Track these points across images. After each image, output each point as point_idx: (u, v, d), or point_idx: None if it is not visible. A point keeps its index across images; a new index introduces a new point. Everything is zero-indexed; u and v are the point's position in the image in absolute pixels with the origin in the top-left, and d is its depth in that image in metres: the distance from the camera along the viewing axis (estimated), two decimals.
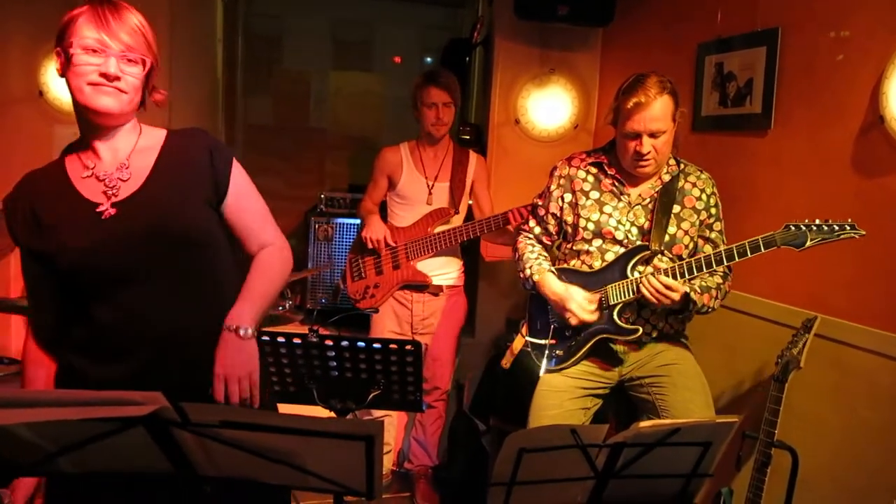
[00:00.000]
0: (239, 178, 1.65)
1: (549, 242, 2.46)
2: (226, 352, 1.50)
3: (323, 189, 4.46)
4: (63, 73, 1.47)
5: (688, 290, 2.11)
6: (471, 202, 3.23)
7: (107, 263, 1.48)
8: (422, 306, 3.11)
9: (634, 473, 1.45)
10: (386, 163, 3.11)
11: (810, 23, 2.37)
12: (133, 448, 1.17)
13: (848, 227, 1.92)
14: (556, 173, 2.39)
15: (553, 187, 2.38)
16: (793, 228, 1.95)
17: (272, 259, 1.68)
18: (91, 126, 1.52)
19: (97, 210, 1.49)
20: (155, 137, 1.60)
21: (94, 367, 1.52)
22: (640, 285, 2.10)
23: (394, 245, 3.05)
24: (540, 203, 2.45)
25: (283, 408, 2.00)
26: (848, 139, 2.23)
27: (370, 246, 3.04)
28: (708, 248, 2.22)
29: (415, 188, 3.08)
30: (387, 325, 3.09)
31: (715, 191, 2.28)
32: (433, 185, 3.07)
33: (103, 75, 1.43)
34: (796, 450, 2.11)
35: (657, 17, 3.20)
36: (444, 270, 3.12)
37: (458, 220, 3.11)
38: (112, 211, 1.49)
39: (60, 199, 1.51)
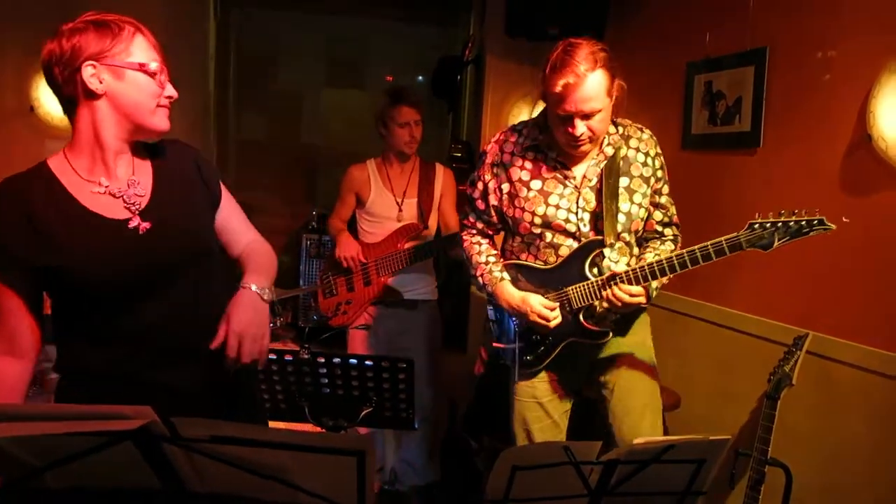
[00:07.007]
0: (223, 186, 1.70)
1: (492, 233, 2.28)
2: (244, 309, 1.50)
3: (315, 206, 4.46)
4: (100, 88, 1.41)
5: (652, 288, 2.00)
6: None
7: (142, 277, 1.47)
8: (396, 322, 3.09)
9: (628, 491, 1.44)
10: (353, 180, 3.09)
11: (798, 43, 2.41)
12: (120, 464, 1.15)
13: (816, 223, 1.74)
14: (488, 161, 2.15)
15: (488, 177, 2.16)
16: (757, 227, 1.79)
17: (263, 246, 1.72)
18: (122, 143, 1.50)
19: (130, 226, 1.48)
20: (142, 149, 1.58)
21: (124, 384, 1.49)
22: (606, 299, 1.98)
23: (364, 262, 3.03)
24: (476, 197, 2.22)
25: (274, 425, 1.98)
26: (836, 157, 2.25)
27: (344, 265, 3.02)
28: (658, 214, 2.11)
29: (384, 205, 3.06)
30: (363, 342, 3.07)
31: (659, 150, 2.10)
32: (402, 202, 3.05)
33: (169, 97, 1.50)
34: (789, 467, 2.11)
35: (647, 37, 3.24)
36: (417, 286, 3.09)
37: (428, 235, 3.10)
38: (147, 225, 1.49)
39: (68, 216, 1.46)
